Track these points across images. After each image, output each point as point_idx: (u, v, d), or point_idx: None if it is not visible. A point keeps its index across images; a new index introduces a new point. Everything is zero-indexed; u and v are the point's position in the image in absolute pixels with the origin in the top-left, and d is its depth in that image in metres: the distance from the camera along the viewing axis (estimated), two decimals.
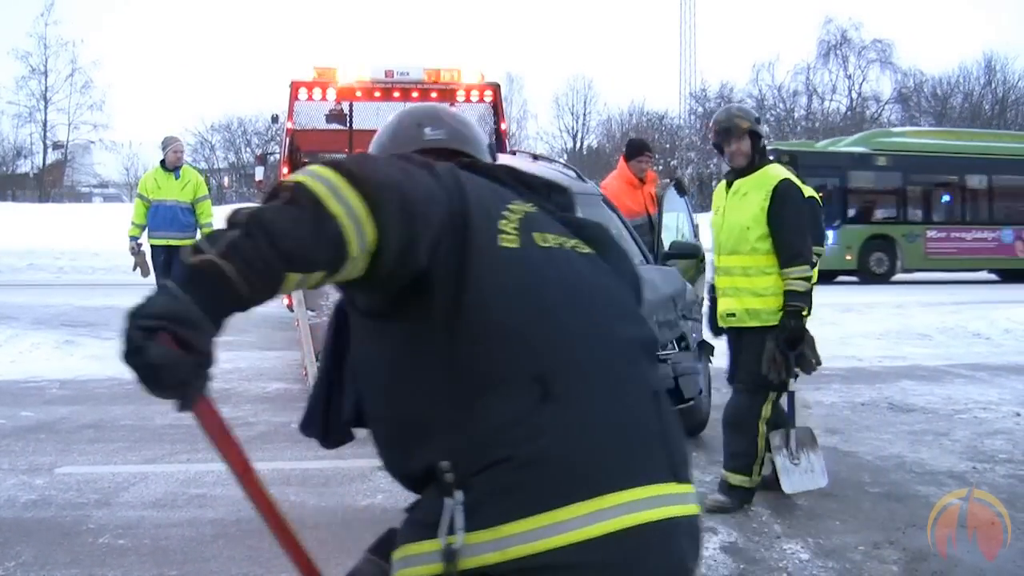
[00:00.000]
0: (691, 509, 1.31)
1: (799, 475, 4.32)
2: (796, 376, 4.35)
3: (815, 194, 5.90)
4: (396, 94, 9.99)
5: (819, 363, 4.50)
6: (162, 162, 8.60)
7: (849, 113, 46.05)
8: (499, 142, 10.46)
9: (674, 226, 7.17)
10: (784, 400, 4.45)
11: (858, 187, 20.42)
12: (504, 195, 1.40)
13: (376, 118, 10.08)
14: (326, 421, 1.57)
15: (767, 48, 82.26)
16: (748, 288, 4.27)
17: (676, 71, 58.94)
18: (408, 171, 1.25)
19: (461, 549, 1.16)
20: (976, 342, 10.20)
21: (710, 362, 5.78)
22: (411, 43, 61.24)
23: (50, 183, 43.18)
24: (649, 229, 6.73)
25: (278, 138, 17.45)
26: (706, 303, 5.03)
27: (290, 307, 8.59)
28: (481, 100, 10.30)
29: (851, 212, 20.24)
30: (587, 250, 1.42)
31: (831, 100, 47.42)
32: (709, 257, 5.26)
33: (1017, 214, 21.34)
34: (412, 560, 1.22)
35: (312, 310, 5.53)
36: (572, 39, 73.79)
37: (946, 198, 21.50)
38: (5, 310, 10.41)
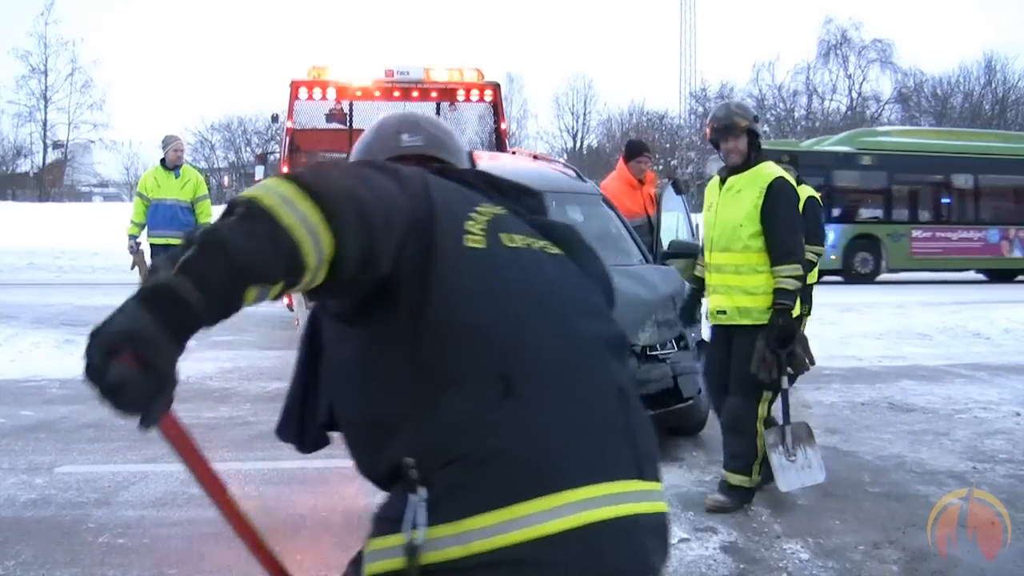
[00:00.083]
0: (657, 506, 1.31)
1: (796, 472, 4.28)
2: (790, 375, 4.32)
3: (815, 194, 5.90)
4: (396, 93, 10.00)
5: (812, 362, 4.47)
6: (162, 161, 8.58)
7: (849, 113, 46.01)
8: (499, 141, 10.46)
9: (672, 226, 7.18)
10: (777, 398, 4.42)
11: (843, 186, 20.17)
12: (473, 198, 1.42)
13: (376, 118, 10.07)
14: (301, 425, 1.59)
15: (767, 48, 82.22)
16: (739, 286, 4.25)
17: (676, 71, 59.27)
18: (367, 178, 1.25)
19: (424, 544, 1.17)
20: (976, 342, 10.19)
21: None
22: (411, 43, 61.26)
23: (50, 182, 43.21)
24: (648, 230, 6.74)
25: (278, 137, 17.46)
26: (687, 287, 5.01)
27: (290, 307, 8.61)
28: (481, 99, 10.30)
29: (836, 211, 19.95)
30: (556, 251, 1.44)
31: (831, 100, 47.52)
32: None
33: (1003, 214, 21.18)
34: (377, 555, 1.24)
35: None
36: (572, 39, 73.85)
37: (931, 198, 21.33)
38: (5, 309, 10.42)
